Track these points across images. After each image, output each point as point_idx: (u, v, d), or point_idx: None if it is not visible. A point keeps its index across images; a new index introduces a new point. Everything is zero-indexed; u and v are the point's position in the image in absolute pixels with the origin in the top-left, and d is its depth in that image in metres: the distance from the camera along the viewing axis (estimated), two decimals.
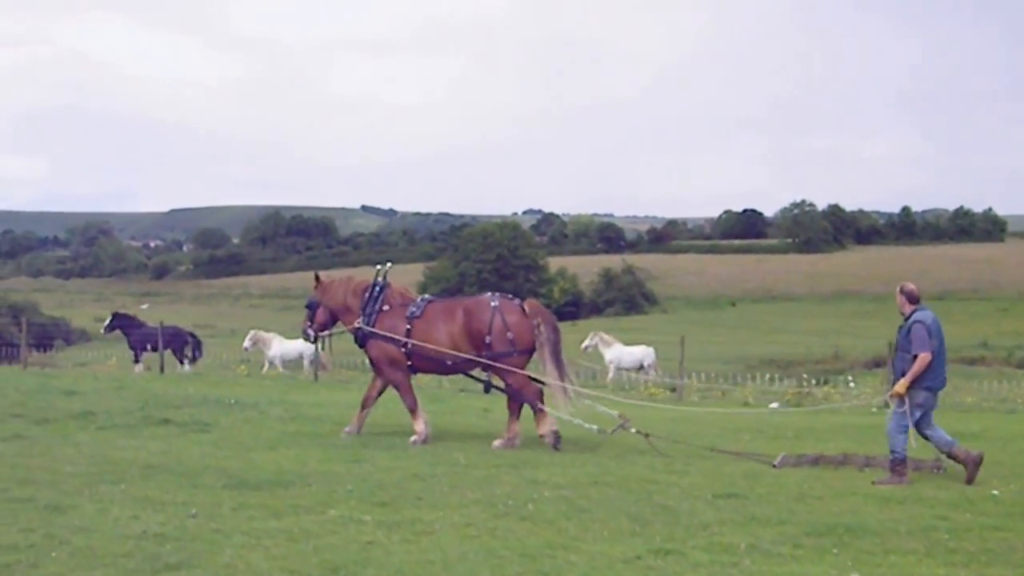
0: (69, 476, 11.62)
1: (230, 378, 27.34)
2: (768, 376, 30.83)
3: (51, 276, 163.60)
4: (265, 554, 8.53)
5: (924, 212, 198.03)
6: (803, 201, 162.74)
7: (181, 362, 33.58)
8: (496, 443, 14.61)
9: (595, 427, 14.74)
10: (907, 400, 12.06)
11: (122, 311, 38.89)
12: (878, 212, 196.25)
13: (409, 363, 14.96)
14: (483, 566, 8.36)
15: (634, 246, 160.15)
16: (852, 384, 28.81)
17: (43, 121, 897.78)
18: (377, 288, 15.35)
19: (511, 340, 14.37)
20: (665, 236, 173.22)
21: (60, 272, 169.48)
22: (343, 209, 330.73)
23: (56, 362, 37.74)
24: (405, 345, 14.77)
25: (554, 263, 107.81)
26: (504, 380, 14.79)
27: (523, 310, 14.70)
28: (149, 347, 33.39)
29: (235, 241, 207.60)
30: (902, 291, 12.52)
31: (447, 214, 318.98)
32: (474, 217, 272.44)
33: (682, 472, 12.83)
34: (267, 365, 33.66)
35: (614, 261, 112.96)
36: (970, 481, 12.07)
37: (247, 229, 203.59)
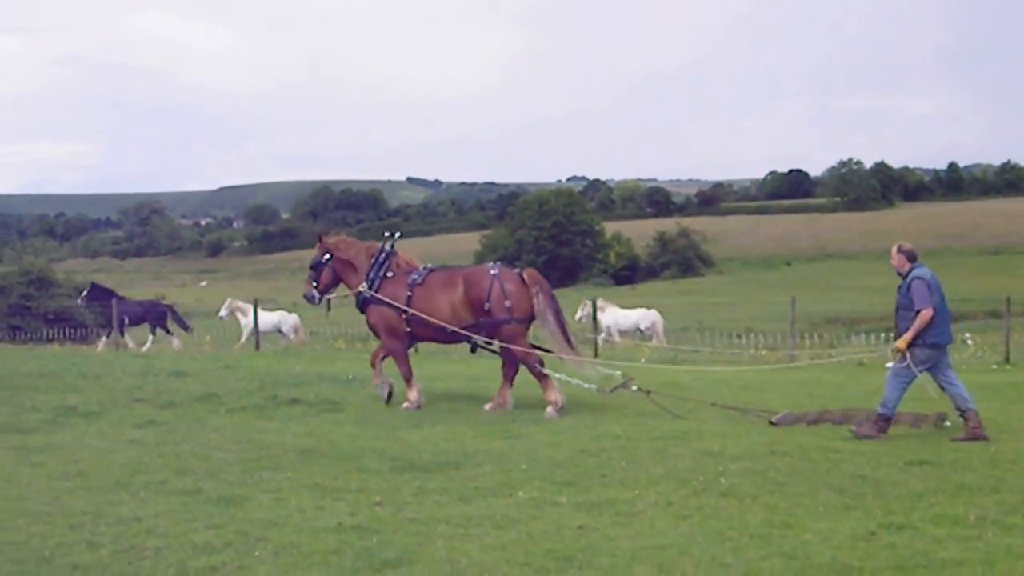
0: (225, 464, 10.89)
1: (330, 353, 26.44)
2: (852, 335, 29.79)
3: (107, 257, 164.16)
4: (480, 544, 7.78)
5: (969, 167, 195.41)
6: (851, 160, 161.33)
7: (154, 333, 33.56)
8: (487, 406, 14.60)
9: (594, 386, 14.76)
10: (908, 356, 11.85)
11: (101, 284, 39.19)
12: (922, 169, 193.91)
13: (408, 330, 14.89)
14: (720, 549, 7.62)
15: (683, 209, 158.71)
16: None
17: (91, 105, 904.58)
18: (383, 255, 15.29)
19: (509, 308, 14.34)
20: (713, 198, 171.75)
21: (116, 252, 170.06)
22: (389, 182, 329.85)
23: (126, 342, 37.08)
24: (404, 312, 14.72)
25: (607, 228, 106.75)
26: (504, 346, 14.57)
27: (522, 279, 14.66)
28: (127, 320, 33.17)
29: (284, 216, 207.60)
30: (900, 250, 12.28)
31: (492, 183, 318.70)
32: (519, 185, 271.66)
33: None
34: (244, 335, 32.54)
35: (665, 225, 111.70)
36: (967, 438, 11.82)
37: (298, 204, 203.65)
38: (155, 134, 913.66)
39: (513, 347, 14.39)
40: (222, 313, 33.86)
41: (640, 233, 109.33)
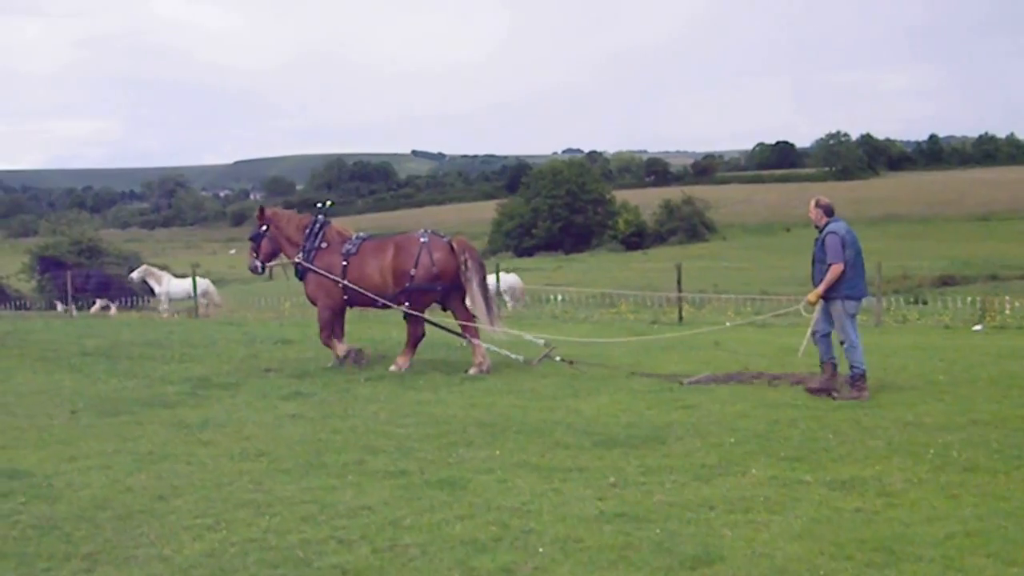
0: (411, 440, 9.64)
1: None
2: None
3: (137, 228, 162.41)
4: (769, 533, 6.59)
5: (947, 139, 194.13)
6: (838, 132, 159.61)
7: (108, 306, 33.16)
8: (471, 370, 13.97)
9: (520, 357, 14.44)
10: (818, 307, 11.63)
11: (51, 255, 39.67)
12: (903, 141, 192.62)
13: (345, 297, 14.61)
14: None
15: (681, 179, 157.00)
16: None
17: (112, 84, 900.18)
18: (317, 225, 15.02)
19: (436, 275, 14.09)
20: (709, 168, 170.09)
21: (145, 223, 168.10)
22: (395, 155, 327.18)
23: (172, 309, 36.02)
24: (340, 282, 14.48)
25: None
26: (407, 307, 14.29)
27: (451, 247, 14.29)
28: (72, 290, 32.83)
29: (299, 188, 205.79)
30: (818, 204, 11.97)
31: (493, 155, 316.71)
32: (518, 158, 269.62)
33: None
34: (164, 302, 31.95)
35: (668, 193, 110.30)
36: (811, 390, 11.64)
37: (313, 176, 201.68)
38: (173, 111, 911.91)
39: (410, 312, 14.22)
40: (134, 276, 33.09)
41: (642, 201, 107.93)
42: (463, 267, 14.11)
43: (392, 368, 14.14)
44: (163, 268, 35.82)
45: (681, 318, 23.73)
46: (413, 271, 14.04)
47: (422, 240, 14.30)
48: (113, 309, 33.05)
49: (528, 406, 11.33)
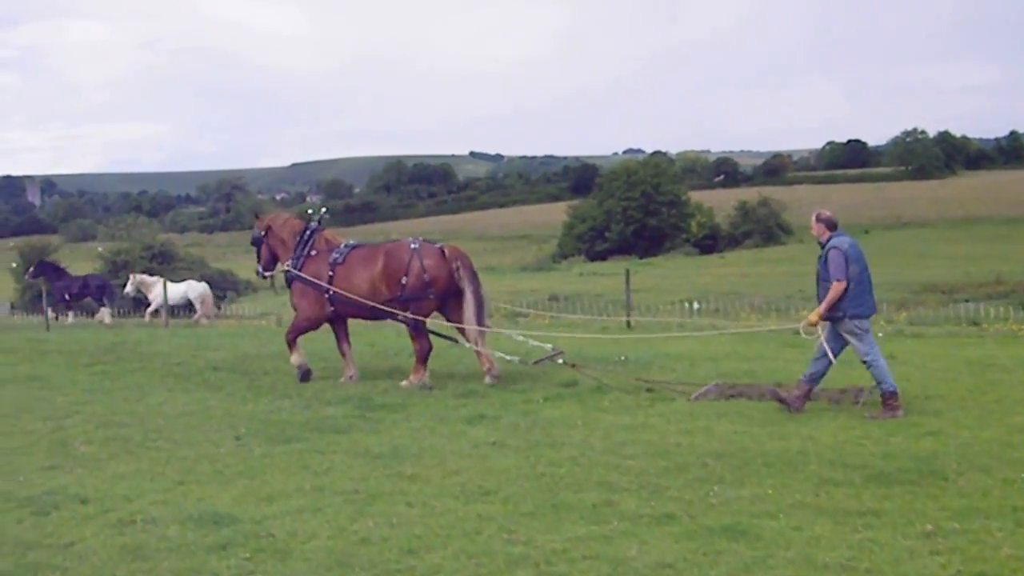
0: (653, 475, 8.50)
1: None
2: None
3: (196, 232, 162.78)
4: None
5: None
6: (914, 129, 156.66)
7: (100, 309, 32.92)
8: (488, 379, 13.62)
9: (516, 358, 14.20)
10: (820, 329, 11.04)
11: (49, 260, 38.52)
12: (981, 139, 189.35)
13: (332, 308, 14.26)
14: None
15: (751, 179, 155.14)
16: None
17: (168, 88, 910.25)
18: (308, 232, 14.80)
19: (427, 282, 13.68)
20: (780, 168, 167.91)
21: (203, 227, 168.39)
22: (452, 156, 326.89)
23: (238, 314, 35.49)
24: (328, 291, 14.16)
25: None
26: (408, 320, 13.84)
27: (442, 253, 13.96)
28: (67, 296, 32.51)
29: (356, 190, 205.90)
30: (819, 218, 11.38)
31: (552, 156, 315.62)
32: (577, 158, 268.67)
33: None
34: (152, 309, 31.56)
35: (737, 195, 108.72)
36: (775, 398, 11.26)
37: (372, 178, 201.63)
38: (228, 114, 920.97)
39: (412, 319, 13.70)
40: (128, 290, 32.62)
41: (712, 202, 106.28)
42: (456, 275, 13.77)
43: (404, 384, 13.63)
44: (153, 274, 36.06)
45: None
46: (404, 279, 13.70)
47: (413, 247, 13.97)
48: (108, 317, 32.55)
49: (752, 432, 10.15)
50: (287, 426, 11.03)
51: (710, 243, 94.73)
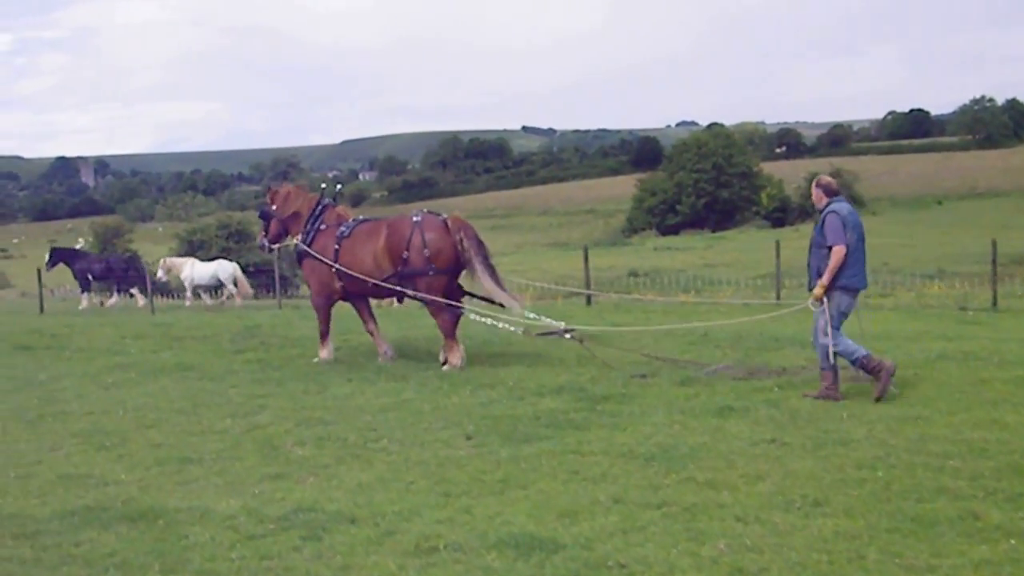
0: (947, 476, 7.36)
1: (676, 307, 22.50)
2: None
3: (254, 210, 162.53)
4: None
5: None
6: (982, 97, 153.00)
7: (130, 294, 32.21)
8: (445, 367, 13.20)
9: (520, 329, 13.68)
10: (825, 302, 10.40)
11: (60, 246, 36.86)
12: None
13: (340, 283, 14.08)
14: None
15: (813, 150, 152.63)
16: None
17: (218, 66, 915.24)
18: (319, 207, 14.63)
19: (428, 257, 13.30)
20: (843, 139, 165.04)
21: (261, 205, 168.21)
22: (504, 131, 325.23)
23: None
24: (333, 267, 14.00)
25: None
26: (423, 298, 13.54)
27: (445, 226, 13.51)
28: (91, 277, 31.63)
29: (410, 167, 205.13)
30: (818, 184, 10.95)
31: (605, 130, 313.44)
32: (631, 131, 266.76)
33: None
34: (189, 290, 31.03)
35: (801, 166, 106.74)
36: (881, 395, 10.18)
37: (427, 154, 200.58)
38: (278, 92, 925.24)
39: (429, 298, 13.34)
40: (160, 274, 31.76)
41: (776, 174, 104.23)
42: (460, 246, 13.32)
43: (445, 368, 13.15)
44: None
45: None
46: (406, 253, 13.36)
47: (415, 219, 13.62)
48: (141, 300, 31.73)
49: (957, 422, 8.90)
50: (515, 422, 9.80)
51: (780, 215, 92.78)
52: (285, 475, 8.23)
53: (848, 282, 10.39)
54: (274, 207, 15.04)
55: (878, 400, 10.10)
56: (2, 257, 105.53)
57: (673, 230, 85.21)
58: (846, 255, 10.28)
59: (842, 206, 10.61)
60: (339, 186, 15.33)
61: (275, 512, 7.15)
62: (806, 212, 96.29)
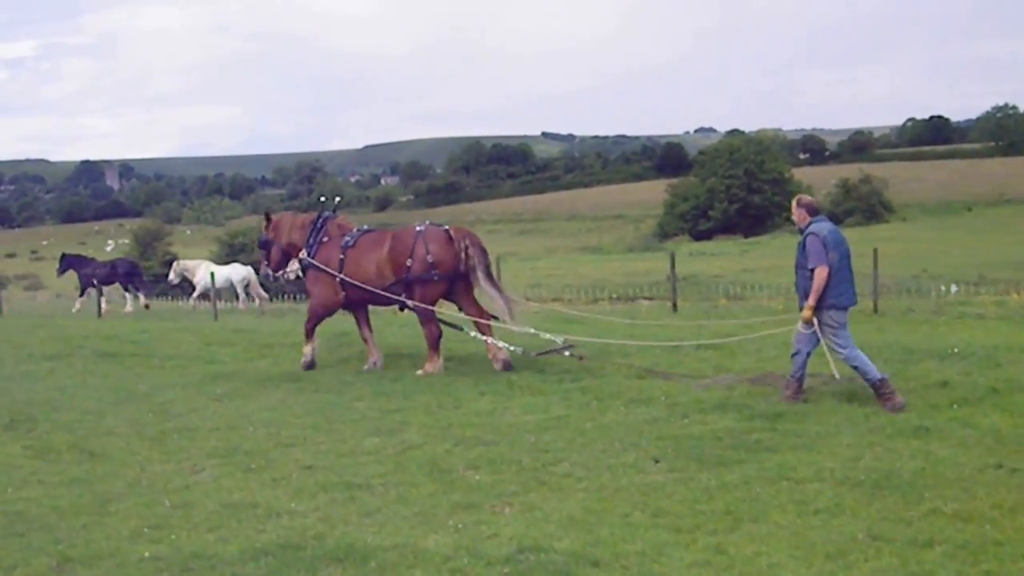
0: None
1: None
2: None
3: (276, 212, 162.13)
4: None
5: None
6: (1005, 104, 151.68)
7: (133, 295, 31.66)
8: (497, 366, 13.36)
9: (519, 348, 13.50)
10: (815, 323, 10.26)
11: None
12: None
13: (343, 293, 14.02)
14: None
15: (837, 156, 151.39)
16: None
17: (238, 70, 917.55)
18: (320, 220, 14.60)
19: (431, 264, 13.34)
20: (866, 145, 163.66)
21: (287, 209, 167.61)
22: (525, 136, 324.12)
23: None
24: (338, 276, 13.93)
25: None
26: (416, 306, 13.53)
27: (448, 235, 13.55)
28: (95, 282, 31.23)
29: (432, 171, 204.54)
30: (800, 203, 10.90)
31: (624, 136, 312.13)
32: (650, 137, 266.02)
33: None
34: (197, 294, 30.64)
35: (825, 173, 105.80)
36: (895, 407, 9.89)
37: (451, 159, 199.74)
38: (300, 97, 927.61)
39: (420, 306, 13.40)
40: (171, 278, 31.50)
41: (803, 180, 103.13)
42: (463, 255, 13.34)
43: (419, 372, 13.30)
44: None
45: None
46: (409, 262, 13.41)
47: (418, 229, 13.74)
48: (130, 305, 31.35)
49: None
50: (698, 443, 8.87)
51: None
52: (475, 505, 7.34)
53: (836, 301, 10.23)
54: (271, 235, 15.02)
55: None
56: (34, 259, 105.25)
57: (706, 235, 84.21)
58: (830, 275, 10.13)
59: (822, 226, 10.44)
60: (337, 199, 16.20)
61: (497, 552, 6.25)
62: (836, 219, 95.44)
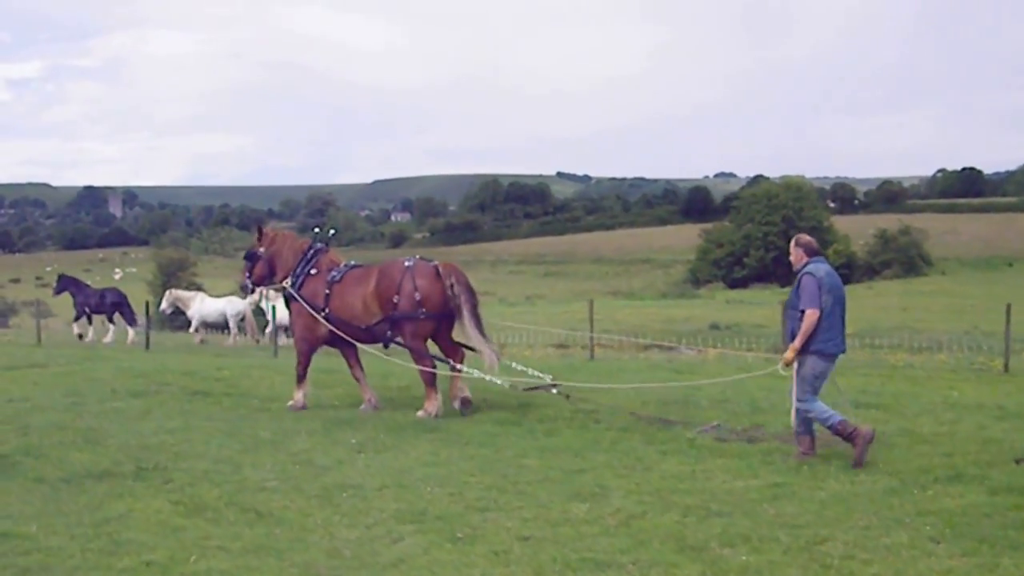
0: None
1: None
2: None
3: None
4: None
5: None
6: None
7: (117, 326, 32.05)
8: (454, 404, 13.59)
9: (507, 383, 13.79)
10: (795, 366, 10.18)
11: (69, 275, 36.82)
12: None
13: (328, 328, 13.97)
14: None
15: (868, 206, 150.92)
16: None
17: (248, 99, 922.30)
18: (311, 251, 14.57)
19: (419, 301, 13.33)
20: (898, 195, 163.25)
21: (248, 246, 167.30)
22: (540, 176, 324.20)
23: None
24: (323, 311, 13.94)
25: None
26: (406, 343, 13.63)
27: (436, 272, 13.56)
28: (87, 310, 32.35)
29: (449, 208, 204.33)
30: (798, 243, 10.76)
31: (642, 178, 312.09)
32: (668, 181, 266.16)
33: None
34: (193, 326, 30.90)
35: (855, 222, 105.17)
36: (858, 463, 9.83)
37: (466, 196, 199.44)
38: (309, 129, 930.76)
39: (412, 345, 13.51)
40: (163, 307, 32.07)
41: (840, 228, 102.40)
42: (450, 292, 13.32)
43: (420, 414, 13.25)
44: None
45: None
46: (396, 298, 13.39)
47: (407, 264, 13.70)
48: (131, 334, 31.62)
49: None
50: (975, 520, 7.93)
51: (845, 272, 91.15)
52: (676, 563, 6.53)
53: (823, 347, 10.11)
54: (262, 248, 14.96)
55: (856, 466, 9.74)
56: (39, 285, 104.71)
57: (741, 283, 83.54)
58: (820, 319, 10.01)
59: (819, 267, 10.34)
60: (332, 232, 16.29)
61: None
62: (872, 270, 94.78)
